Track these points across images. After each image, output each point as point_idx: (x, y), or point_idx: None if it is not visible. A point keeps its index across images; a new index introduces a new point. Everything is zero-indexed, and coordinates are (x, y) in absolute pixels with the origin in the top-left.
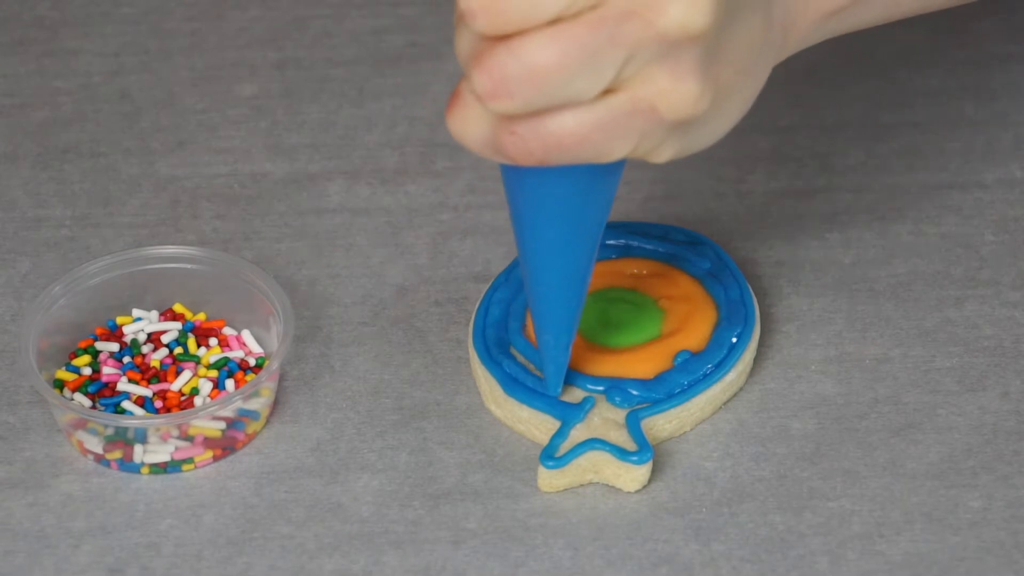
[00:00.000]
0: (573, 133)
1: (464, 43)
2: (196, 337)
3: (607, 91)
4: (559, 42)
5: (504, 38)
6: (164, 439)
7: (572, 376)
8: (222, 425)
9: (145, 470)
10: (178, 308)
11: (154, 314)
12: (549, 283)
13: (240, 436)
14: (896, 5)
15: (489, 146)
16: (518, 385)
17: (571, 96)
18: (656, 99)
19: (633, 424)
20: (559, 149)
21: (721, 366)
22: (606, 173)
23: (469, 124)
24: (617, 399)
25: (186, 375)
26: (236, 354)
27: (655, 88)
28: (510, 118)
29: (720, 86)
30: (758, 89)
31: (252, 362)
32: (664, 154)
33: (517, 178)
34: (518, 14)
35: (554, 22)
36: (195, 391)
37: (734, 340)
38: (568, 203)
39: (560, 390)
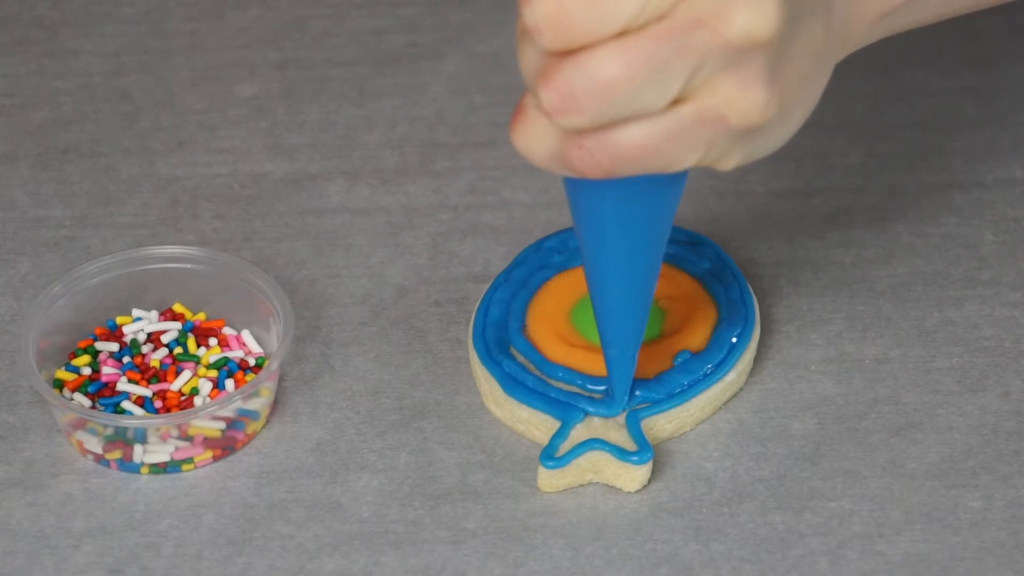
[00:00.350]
0: (641, 145)
1: (529, 59)
2: (196, 337)
3: (675, 101)
4: (627, 55)
5: (570, 53)
6: (164, 439)
7: (572, 376)
8: (222, 425)
9: (145, 470)
10: (178, 308)
11: (154, 314)
12: (615, 295)
13: (240, 436)
14: (950, 3)
15: (556, 160)
16: (518, 385)
17: (640, 109)
18: (724, 108)
19: (633, 424)
20: (627, 161)
21: (721, 366)
22: (671, 182)
23: (534, 139)
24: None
25: (186, 375)
26: (236, 354)
27: (723, 97)
28: (577, 132)
29: (786, 92)
30: (820, 92)
31: (252, 362)
32: (731, 162)
33: (582, 190)
34: (585, 29)
35: (620, 35)
36: (195, 391)
37: (734, 340)
38: (633, 213)
39: (627, 401)
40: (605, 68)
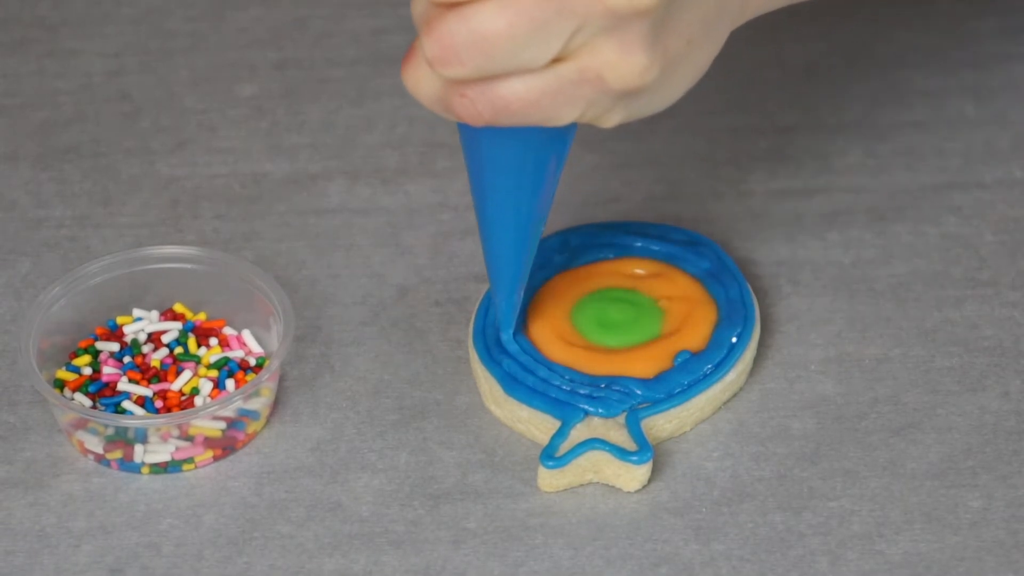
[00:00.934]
0: (521, 98)
1: (418, 6)
2: (196, 337)
3: (555, 60)
4: (509, 12)
5: (455, 5)
6: (164, 439)
7: (572, 375)
8: (222, 425)
9: (145, 470)
10: (178, 308)
11: (154, 314)
12: (501, 236)
13: (240, 436)
14: None
15: (440, 104)
16: (518, 385)
17: (520, 64)
18: (603, 70)
19: (633, 424)
20: (507, 113)
21: (721, 366)
22: (554, 136)
23: (422, 82)
24: (617, 399)
25: (186, 375)
26: (236, 354)
27: (602, 59)
28: (461, 81)
29: (669, 57)
30: (712, 55)
31: (252, 362)
32: (612, 120)
33: (471, 135)
34: None
35: None
36: (195, 391)
37: (734, 340)
38: (516, 160)
39: (512, 332)
40: (487, 22)
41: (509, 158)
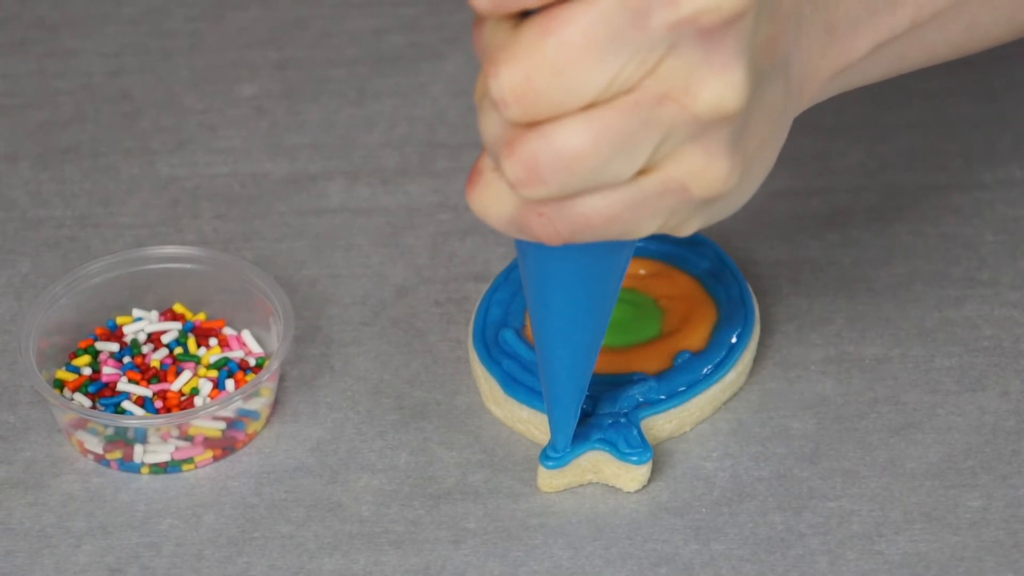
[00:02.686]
0: (603, 215)
1: (492, 127)
2: (196, 337)
3: (639, 172)
4: (593, 128)
5: (535, 124)
6: (164, 439)
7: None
8: (222, 425)
9: (145, 470)
10: (178, 308)
11: (154, 314)
12: (562, 355)
13: (240, 436)
14: (902, 59)
15: (514, 225)
16: (518, 385)
17: (604, 180)
18: (688, 179)
19: (633, 424)
20: (587, 229)
21: (721, 366)
22: (624, 245)
23: (493, 202)
24: (616, 399)
25: (186, 375)
26: (236, 354)
27: (687, 168)
28: (539, 200)
29: (747, 159)
30: (778, 151)
31: (252, 362)
32: (690, 228)
33: (534, 251)
34: (551, 102)
35: (587, 107)
36: (195, 391)
37: (734, 340)
38: (584, 275)
39: (567, 448)
40: (571, 141)
41: (574, 274)
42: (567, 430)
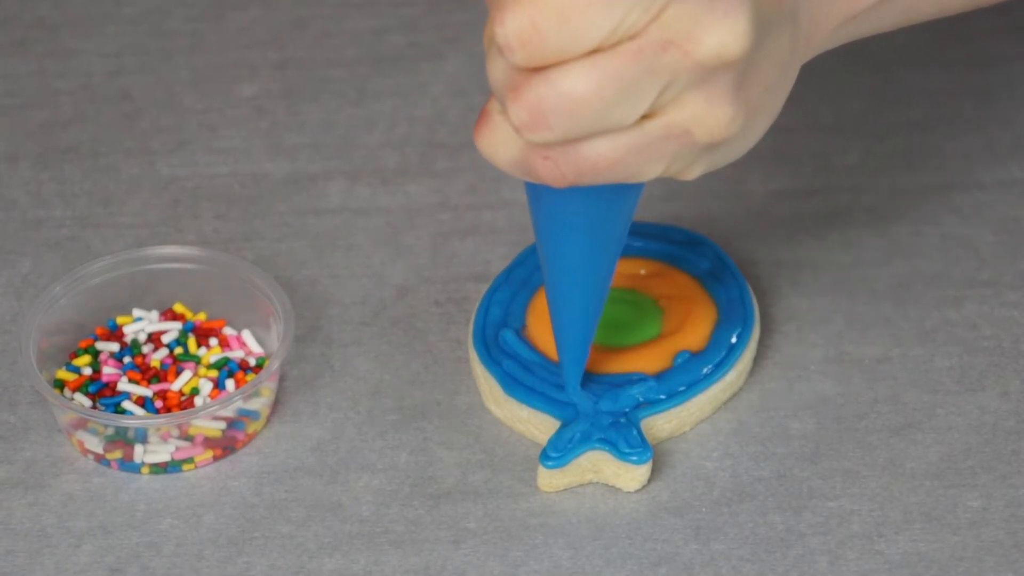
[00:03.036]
0: (607, 158)
1: (498, 72)
2: (196, 337)
3: (642, 116)
4: (597, 73)
5: (540, 69)
6: (164, 439)
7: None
8: (222, 425)
9: (145, 470)
10: (178, 308)
11: (154, 314)
12: (570, 295)
13: (240, 436)
14: (914, 9)
15: (520, 167)
16: (518, 385)
17: (608, 125)
18: (690, 124)
19: (633, 424)
20: (592, 172)
21: (721, 366)
22: (631, 189)
23: (499, 145)
24: (616, 398)
25: (186, 375)
26: (236, 354)
27: (689, 113)
28: (544, 144)
29: (751, 105)
30: (785, 98)
31: (252, 362)
32: (694, 172)
33: (542, 195)
34: (556, 47)
35: (591, 53)
36: (195, 391)
37: (734, 340)
38: (592, 218)
39: (579, 391)
40: (576, 86)
41: (581, 216)
42: (577, 371)
